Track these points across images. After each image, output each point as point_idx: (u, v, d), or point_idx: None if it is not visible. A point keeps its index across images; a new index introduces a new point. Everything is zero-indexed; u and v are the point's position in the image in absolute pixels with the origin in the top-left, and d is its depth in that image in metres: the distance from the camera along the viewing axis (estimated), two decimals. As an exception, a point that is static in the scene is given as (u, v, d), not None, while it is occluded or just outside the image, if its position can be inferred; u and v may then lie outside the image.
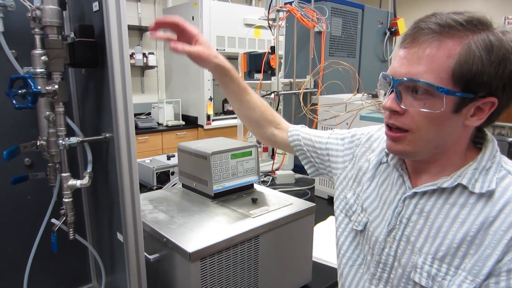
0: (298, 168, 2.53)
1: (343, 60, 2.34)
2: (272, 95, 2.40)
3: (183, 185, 1.52)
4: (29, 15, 0.88)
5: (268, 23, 2.48)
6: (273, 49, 2.48)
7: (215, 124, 5.03)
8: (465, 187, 0.72)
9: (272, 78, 2.44)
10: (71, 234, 1.02)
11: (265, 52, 2.49)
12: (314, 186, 2.28)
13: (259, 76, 2.53)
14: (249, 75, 2.69)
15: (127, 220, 0.91)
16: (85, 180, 0.95)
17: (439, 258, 0.72)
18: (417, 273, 0.75)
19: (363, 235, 0.90)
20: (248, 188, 1.49)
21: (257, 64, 2.53)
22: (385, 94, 0.76)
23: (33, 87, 0.80)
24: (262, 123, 1.16)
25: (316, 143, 1.12)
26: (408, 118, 0.71)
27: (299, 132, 1.17)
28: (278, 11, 2.36)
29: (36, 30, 0.96)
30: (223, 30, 4.77)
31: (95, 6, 0.90)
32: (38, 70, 0.97)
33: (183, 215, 1.25)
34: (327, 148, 1.08)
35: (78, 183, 0.95)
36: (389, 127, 0.76)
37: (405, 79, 0.69)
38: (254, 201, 1.36)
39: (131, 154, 0.88)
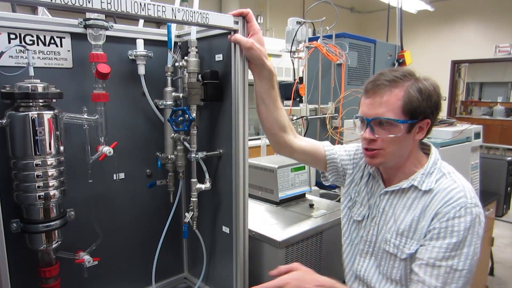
0: (319, 184, 2.82)
1: (358, 88, 2.69)
2: (301, 120, 2.73)
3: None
4: (177, 64, 1.21)
5: (291, 55, 2.85)
6: (301, 79, 2.83)
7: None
8: (416, 187, 1.07)
9: (300, 104, 2.78)
10: (195, 226, 1.31)
11: (294, 82, 2.84)
12: (339, 199, 2.58)
13: (288, 102, 2.86)
14: (278, 101, 3.01)
15: (239, 215, 1.21)
16: (208, 184, 1.26)
17: (400, 234, 1.07)
18: (387, 244, 1.09)
19: (362, 223, 1.20)
20: (301, 196, 1.80)
21: (287, 92, 2.87)
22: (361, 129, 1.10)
23: (190, 116, 1.11)
24: (287, 129, 1.28)
25: (342, 156, 1.37)
26: (379, 142, 1.05)
27: (333, 147, 1.40)
28: (307, 47, 2.72)
29: (168, 73, 1.29)
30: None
31: (219, 57, 1.23)
32: (168, 102, 1.29)
33: (259, 216, 1.55)
34: (343, 159, 1.35)
35: (203, 186, 1.25)
36: (366, 149, 1.09)
37: (374, 118, 1.03)
38: (311, 206, 1.67)
39: (245, 165, 1.19)
